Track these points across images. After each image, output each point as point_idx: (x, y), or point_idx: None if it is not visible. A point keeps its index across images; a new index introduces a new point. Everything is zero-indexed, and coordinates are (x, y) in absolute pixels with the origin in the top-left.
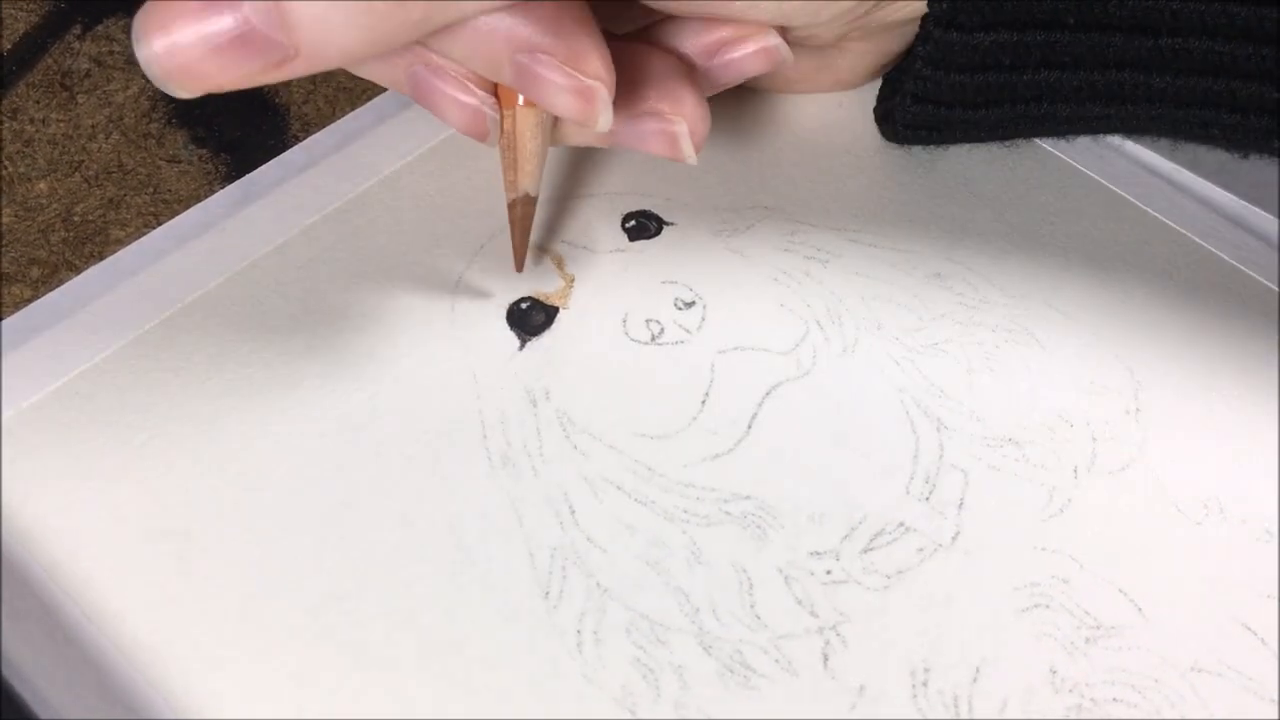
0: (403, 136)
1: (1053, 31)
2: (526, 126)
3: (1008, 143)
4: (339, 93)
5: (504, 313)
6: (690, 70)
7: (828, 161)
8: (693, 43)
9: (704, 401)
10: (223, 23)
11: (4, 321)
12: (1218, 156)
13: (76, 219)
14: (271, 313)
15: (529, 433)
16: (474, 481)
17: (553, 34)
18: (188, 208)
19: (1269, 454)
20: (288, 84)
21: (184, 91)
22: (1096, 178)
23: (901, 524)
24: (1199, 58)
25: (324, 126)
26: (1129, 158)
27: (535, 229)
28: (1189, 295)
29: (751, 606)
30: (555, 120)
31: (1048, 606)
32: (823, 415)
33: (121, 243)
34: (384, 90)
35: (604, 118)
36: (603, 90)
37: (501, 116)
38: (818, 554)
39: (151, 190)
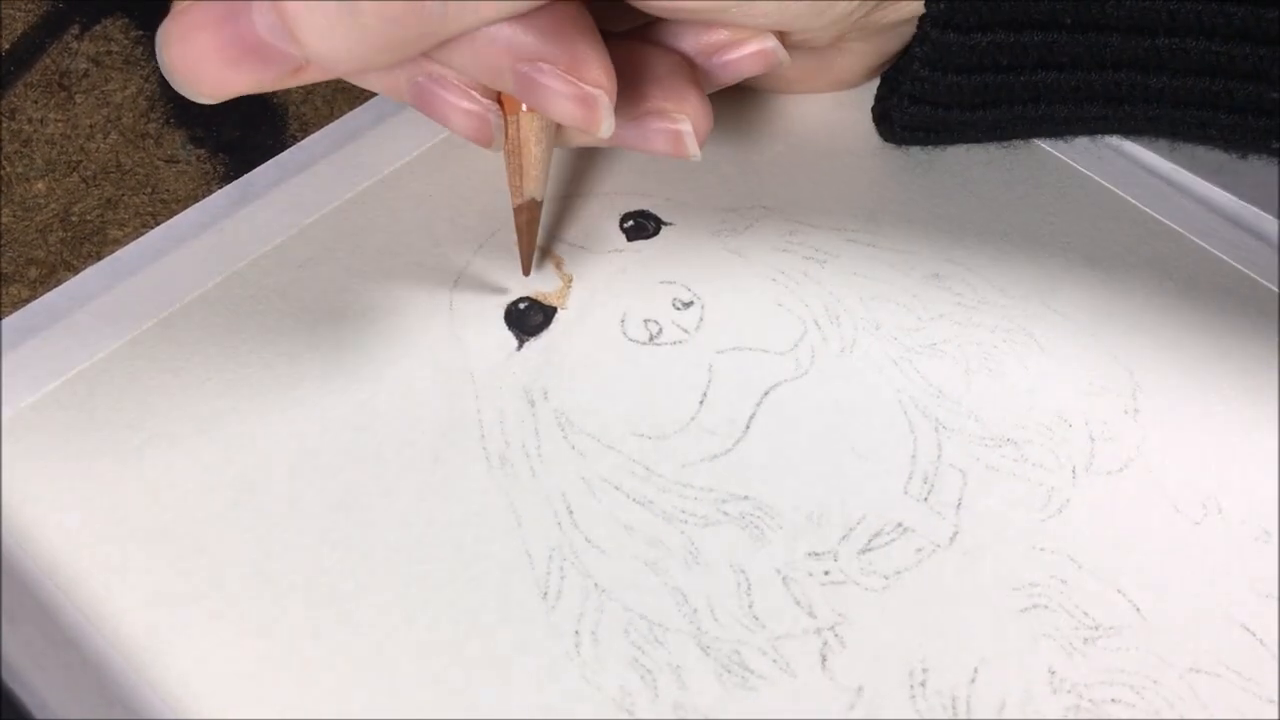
0: (401, 136)
1: (1050, 32)
2: (531, 132)
3: (1006, 143)
4: (337, 93)
5: (502, 313)
6: (692, 69)
7: (826, 162)
8: (690, 43)
9: (702, 402)
10: (236, 34)
11: (3, 321)
12: (1217, 156)
13: (74, 219)
14: (270, 313)
15: (527, 433)
16: (472, 481)
17: (554, 42)
18: (186, 208)
19: (1268, 454)
20: None
21: (206, 98)
22: (1096, 178)
23: (900, 524)
24: (1196, 58)
25: (322, 126)
26: (1128, 158)
27: None
28: (1188, 295)
29: (750, 607)
30: (558, 124)
31: (1046, 607)
32: (821, 415)
33: (120, 243)
34: None
35: (606, 124)
36: (604, 97)
37: (506, 123)
38: (816, 554)
39: (149, 190)
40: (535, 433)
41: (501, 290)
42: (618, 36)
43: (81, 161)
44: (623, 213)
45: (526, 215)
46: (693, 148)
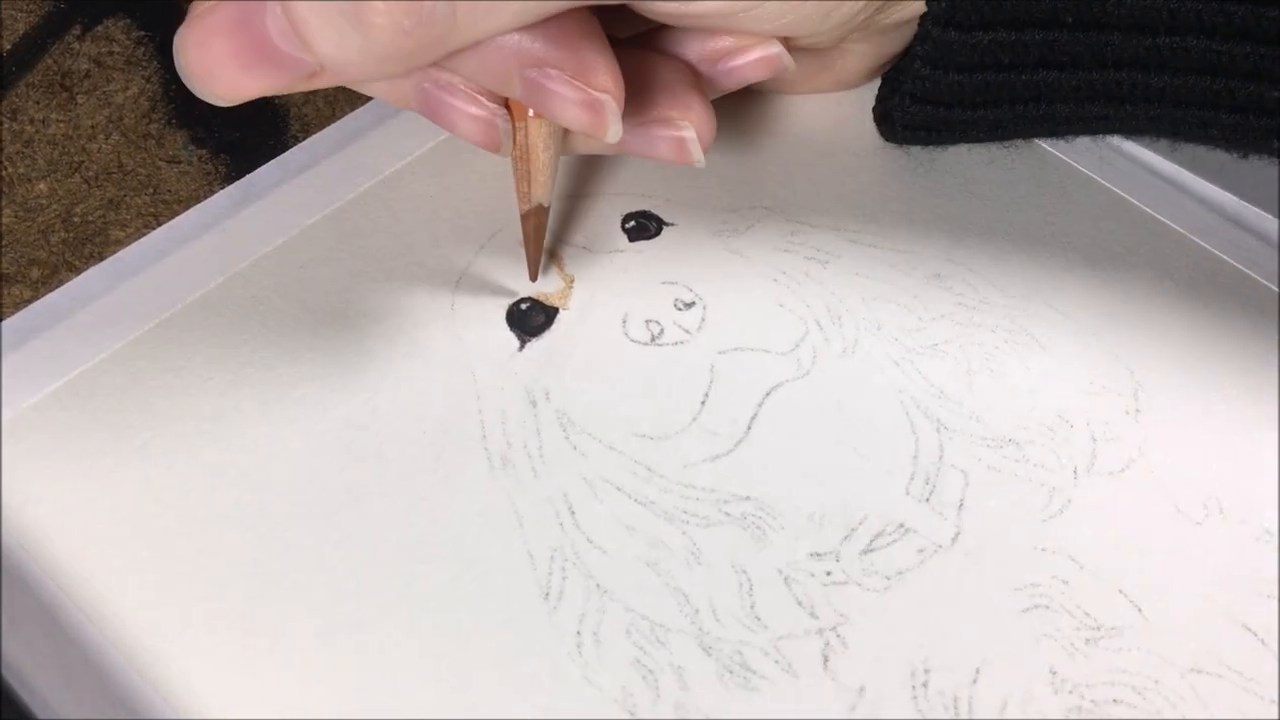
0: (402, 137)
1: (1051, 31)
2: (539, 138)
3: (1007, 143)
4: (339, 93)
5: (504, 313)
6: (696, 76)
7: (827, 162)
8: (695, 49)
9: (704, 402)
10: (251, 40)
11: (4, 322)
12: (1218, 156)
13: (76, 219)
14: (271, 313)
15: (529, 433)
16: (474, 482)
17: (561, 48)
18: (188, 208)
19: (1269, 454)
20: None
21: (221, 100)
22: (1096, 178)
23: (901, 525)
24: (1197, 57)
25: (323, 127)
26: (1129, 158)
27: None
28: (1189, 295)
29: (751, 607)
30: (565, 130)
31: (1048, 607)
32: (822, 416)
33: (121, 243)
34: None
35: (613, 129)
36: (611, 103)
37: (514, 129)
38: (818, 555)
39: (151, 191)
40: (537, 433)
41: (503, 291)
42: (622, 43)
43: (83, 162)
44: (624, 213)
45: (534, 221)
46: (697, 154)
